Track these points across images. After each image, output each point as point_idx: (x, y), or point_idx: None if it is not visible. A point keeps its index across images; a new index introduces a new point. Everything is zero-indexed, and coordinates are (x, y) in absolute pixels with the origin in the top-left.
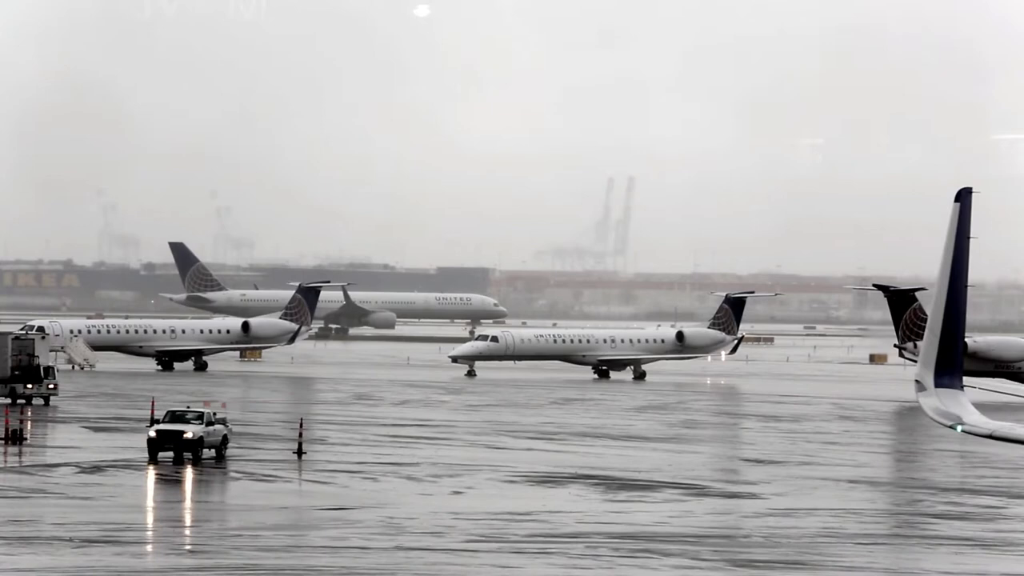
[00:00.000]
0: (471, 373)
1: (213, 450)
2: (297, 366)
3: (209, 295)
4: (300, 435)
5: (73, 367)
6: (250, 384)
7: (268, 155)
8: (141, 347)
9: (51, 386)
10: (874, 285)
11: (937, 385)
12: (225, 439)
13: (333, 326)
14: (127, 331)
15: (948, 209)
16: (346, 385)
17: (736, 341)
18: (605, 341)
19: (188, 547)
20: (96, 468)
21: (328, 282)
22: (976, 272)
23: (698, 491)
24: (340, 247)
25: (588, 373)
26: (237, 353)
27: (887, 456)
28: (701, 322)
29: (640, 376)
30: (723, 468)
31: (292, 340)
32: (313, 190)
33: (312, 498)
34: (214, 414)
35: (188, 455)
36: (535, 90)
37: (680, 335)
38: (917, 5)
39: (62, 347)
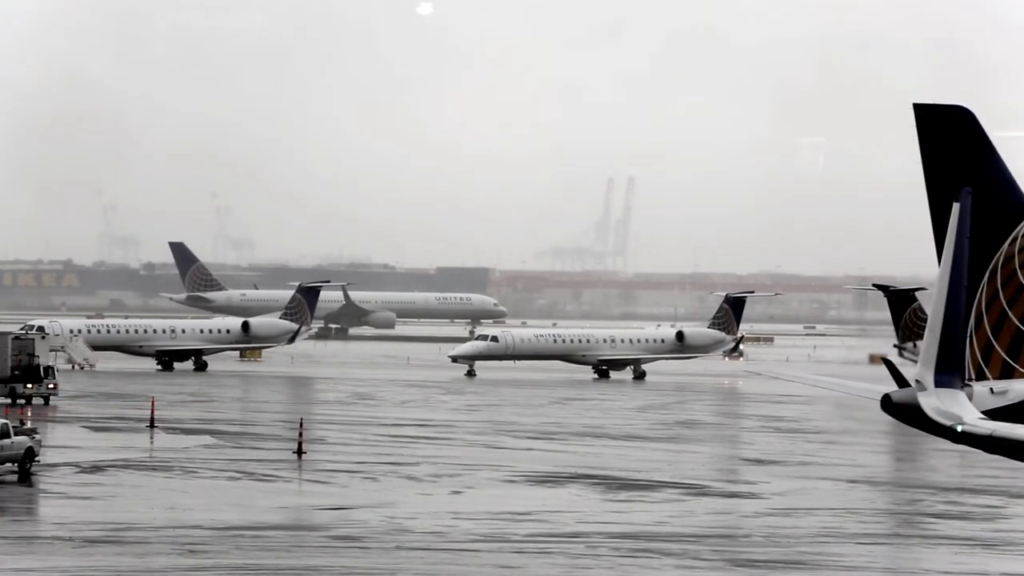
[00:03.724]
0: (471, 373)
1: (15, 464)
2: (297, 366)
3: (209, 295)
4: (300, 435)
5: (73, 367)
6: (250, 384)
7: (268, 155)
8: (141, 347)
9: (51, 386)
10: (874, 285)
11: (937, 385)
12: (31, 451)
13: (333, 326)
14: (127, 331)
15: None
16: (346, 385)
17: (736, 341)
18: (605, 341)
19: (188, 547)
20: (96, 468)
21: (328, 282)
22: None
23: (698, 491)
24: (340, 247)
25: (588, 373)
26: (237, 353)
27: (887, 456)
28: (701, 322)
29: (640, 376)
30: (723, 468)
31: (292, 340)
32: (313, 190)
33: (312, 498)
34: (20, 423)
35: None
36: (534, 90)
37: (680, 335)
38: (917, 5)
39: (62, 347)
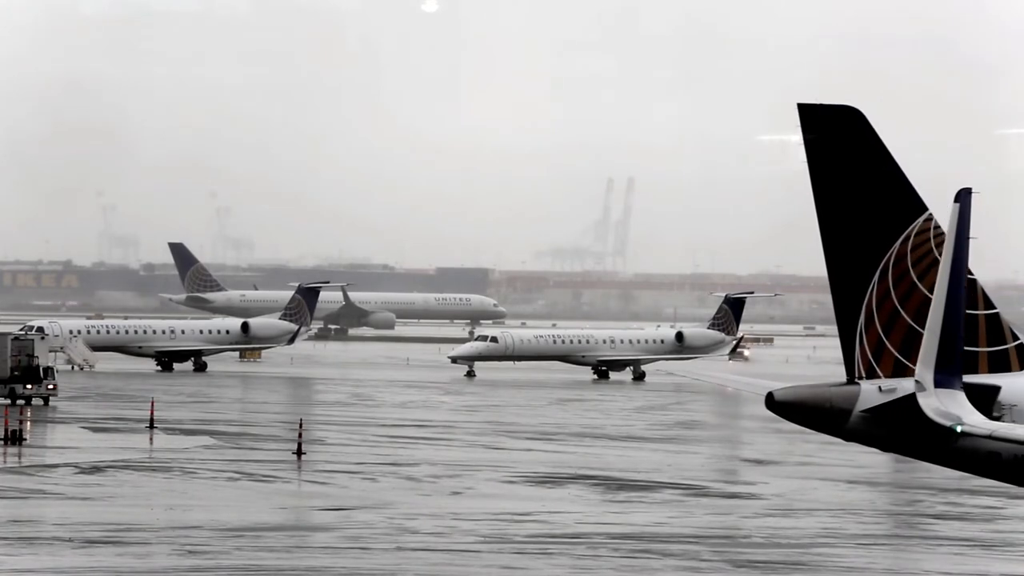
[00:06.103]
0: (471, 373)
1: None
2: (297, 367)
3: (209, 295)
4: (299, 435)
5: (73, 367)
6: (249, 385)
7: (268, 156)
8: (141, 348)
9: (50, 386)
10: None
11: (936, 385)
12: None
13: (333, 326)
14: (127, 331)
15: (948, 209)
16: (345, 386)
17: (736, 341)
18: (605, 341)
19: (188, 547)
20: (96, 468)
21: (328, 282)
22: (976, 272)
23: (698, 491)
24: (340, 247)
25: (588, 373)
26: (237, 353)
27: (887, 456)
28: (701, 322)
29: (639, 377)
30: (723, 468)
31: (292, 340)
32: (313, 190)
33: (312, 498)
34: None
35: None
36: (534, 90)
37: (680, 335)
38: (917, 5)
39: (61, 347)
